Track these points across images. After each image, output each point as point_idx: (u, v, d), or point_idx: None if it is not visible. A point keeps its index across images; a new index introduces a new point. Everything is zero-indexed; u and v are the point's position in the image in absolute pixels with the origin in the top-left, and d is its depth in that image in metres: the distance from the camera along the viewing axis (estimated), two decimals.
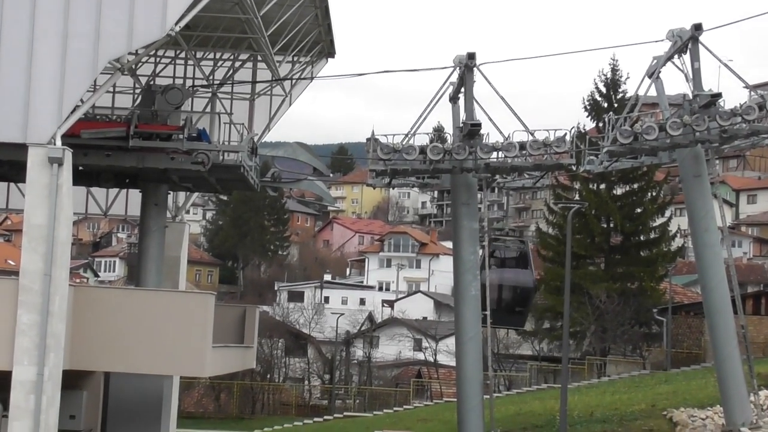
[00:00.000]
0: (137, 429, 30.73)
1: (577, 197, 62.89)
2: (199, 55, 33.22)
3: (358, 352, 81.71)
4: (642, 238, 66.16)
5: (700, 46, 34.55)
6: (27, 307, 22.79)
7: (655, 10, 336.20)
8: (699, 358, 57.80)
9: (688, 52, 34.65)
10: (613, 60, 67.51)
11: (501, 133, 32.60)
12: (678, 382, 49.13)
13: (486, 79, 32.77)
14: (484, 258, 34.10)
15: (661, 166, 46.46)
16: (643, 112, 37.71)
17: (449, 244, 79.11)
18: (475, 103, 33.00)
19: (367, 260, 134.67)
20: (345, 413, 58.92)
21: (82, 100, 24.02)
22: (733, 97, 34.50)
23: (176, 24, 23.79)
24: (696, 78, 34.58)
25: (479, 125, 32.36)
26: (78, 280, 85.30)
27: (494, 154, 32.38)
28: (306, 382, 76.35)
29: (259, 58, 32.75)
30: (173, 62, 33.87)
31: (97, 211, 38.05)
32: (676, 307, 61.79)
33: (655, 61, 35.31)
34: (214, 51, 33.54)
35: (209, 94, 32.52)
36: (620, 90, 66.60)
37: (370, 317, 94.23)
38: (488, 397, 34.61)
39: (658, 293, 63.91)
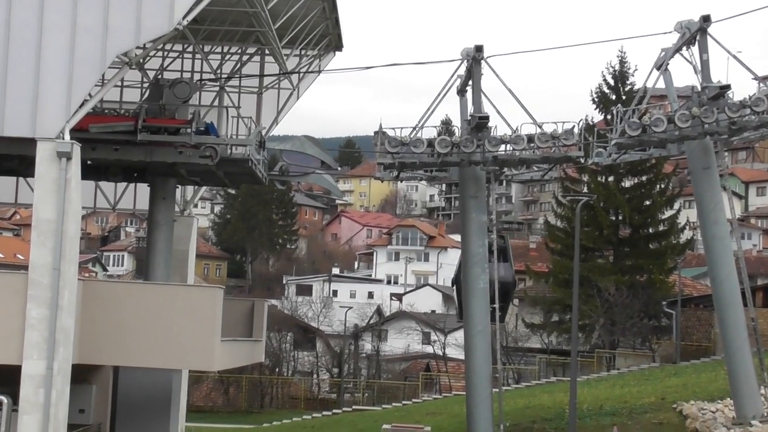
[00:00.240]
0: (146, 423, 30.78)
1: (585, 190, 62.76)
2: (206, 48, 33.21)
3: (367, 345, 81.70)
4: (651, 230, 66.00)
5: (708, 37, 34.47)
6: (36, 302, 22.83)
7: (664, 2, 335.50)
8: (709, 351, 57.72)
9: (696, 43, 34.58)
10: (621, 52, 67.40)
11: (509, 125, 32.58)
12: (688, 375, 49.06)
13: (494, 71, 32.73)
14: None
15: (670, 158, 46.42)
16: (651, 104, 37.64)
17: (457, 237, 79.07)
18: (482, 95, 32.95)
19: (375, 253, 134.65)
20: (354, 407, 58.94)
21: (90, 95, 24.04)
22: (742, 88, 34.33)
23: (184, 18, 23.79)
24: (705, 70, 34.49)
25: (487, 118, 32.32)
26: (87, 275, 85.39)
27: (502, 147, 32.35)
28: (315, 376, 76.39)
29: (267, 51, 32.73)
30: (181, 56, 33.86)
31: (105, 206, 38.08)
32: (686, 300, 61.70)
33: (664, 52, 35.23)
34: (221, 45, 33.52)
35: (217, 88, 32.52)
36: (628, 82, 66.40)
37: (379, 311, 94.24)
38: (497, 390, 34.58)
39: (668, 286, 63.79)
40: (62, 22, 23.33)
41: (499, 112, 32.64)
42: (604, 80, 66.95)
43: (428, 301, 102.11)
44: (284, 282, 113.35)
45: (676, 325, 59.28)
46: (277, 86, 34.89)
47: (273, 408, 66.04)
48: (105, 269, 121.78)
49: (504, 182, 39.69)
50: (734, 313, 35.80)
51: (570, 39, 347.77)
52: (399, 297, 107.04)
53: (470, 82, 33.33)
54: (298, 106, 36.93)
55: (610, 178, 64.60)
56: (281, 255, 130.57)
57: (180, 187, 34.99)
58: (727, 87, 33.79)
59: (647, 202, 65.36)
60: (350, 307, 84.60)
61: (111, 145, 28.20)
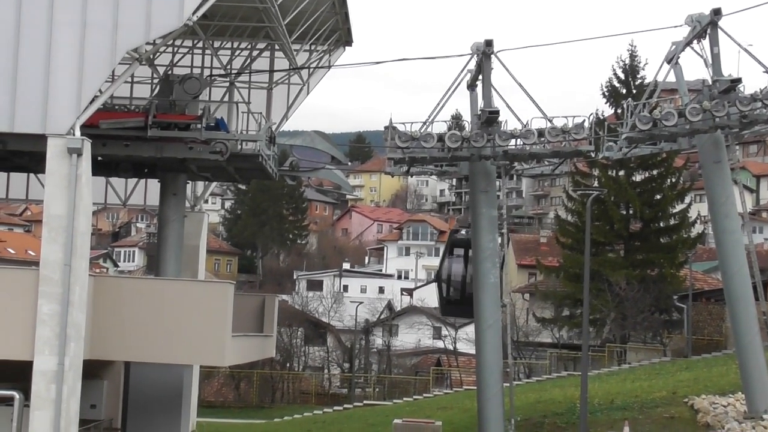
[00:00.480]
0: (158, 418, 30.85)
1: (596, 184, 62.66)
2: (216, 44, 33.24)
3: (378, 340, 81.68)
4: (662, 224, 65.83)
5: (719, 30, 34.33)
6: (47, 298, 22.88)
7: None
8: (720, 345, 57.57)
9: (707, 37, 34.44)
10: (632, 46, 67.21)
11: (519, 120, 32.51)
12: (699, 369, 48.95)
13: (504, 66, 32.67)
14: (445, 248, 34.30)
15: (681, 152, 46.22)
16: (662, 98, 37.50)
17: None
18: (493, 90, 32.89)
19: (385, 248, 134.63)
20: (365, 402, 58.92)
21: (100, 91, 24.09)
22: (753, 82, 34.13)
23: (194, 14, 23.83)
24: (715, 63, 34.36)
25: (497, 112, 32.26)
26: (98, 270, 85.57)
27: (512, 142, 32.27)
28: (325, 371, 76.39)
29: (277, 47, 32.75)
30: (191, 52, 33.92)
31: (116, 201, 38.19)
32: (697, 294, 61.53)
33: (674, 46, 35.12)
34: (231, 40, 33.55)
35: (227, 84, 32.56)
36: (639, 76, 66.23)
37: (389, 306, 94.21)
38: (508, 384, 34.55)
39: (679, 280, 63.63)
40: (72, 19, 23.38)
41: (509, 107, 32.59)
42: (615, 74, 66.83)
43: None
44: (295, 277, 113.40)
45: (687, 319, 59.13)
46: (287, 81, 34.94)
47: (284, 403, 66.06)
48: (116, 265, 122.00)
49: (514, 177, 39.63)
50: (745, 307, 35.70)
51: (580, 33, 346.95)
52: (410, 292, 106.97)
53: (480, 77, 33.26)
54: (308, 102, 36.99)
55: (621, 173, 64.46)
56: (292, 250, 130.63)
57: (190, 182, 35.08)
58: (738, 80, 33.66)
59: (658, 196, 65.20)
60: (361, 302, 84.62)
61: (121, 141, 28.26)
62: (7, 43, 23.38)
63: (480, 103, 33.47)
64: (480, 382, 34.41)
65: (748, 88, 33.81)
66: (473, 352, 42.67)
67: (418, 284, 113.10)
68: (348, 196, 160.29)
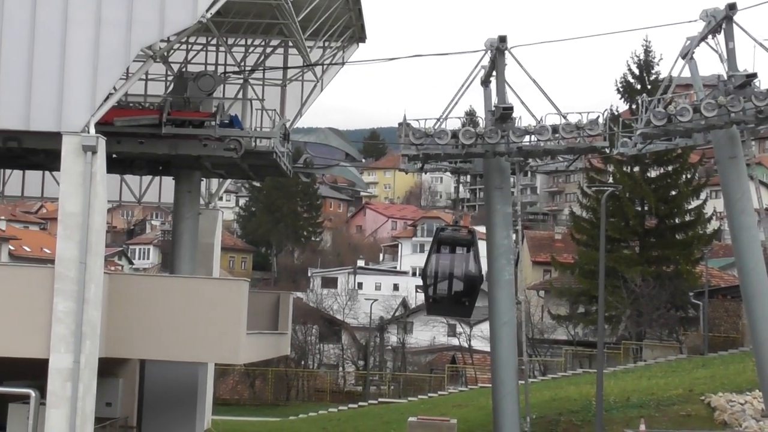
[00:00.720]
0: (173, 416, 30.87)
1: (610, 180, 62.47)
2: (230, 41, 33.25)
3: (392, 337, 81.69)
4: (677, 220, 65.64)
5: (734, 25, 34.18)
6: (63, 295, 22.90)
7: None
8: (737, 342, 57.37)
9: (722, 32, 34.30)
10: (646, 41, 67.01)
11: (533, 116, 32.45)
12: (715, 367, 48.78)
13: (518, 62, 32.60)
14: (432, 246, 34.28)
15: (696, 147, 46.11)
16: (676, 93, 37.38)
17: (482, 229, 78.85)
18: (506, 86, 32.83)
19: (400, 245, 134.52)
20: (380, 399, 58.92)
21: (115, 88, 24.10)
22: None
23: (207, 11, 23.82)
24: (731, 58, 34.21)
25: (511, 109, 32.20)
26: (113, 268, 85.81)
27: (527, 138, 32.22)
28: (340, 369, 76.42)
29: (291, 43, 32.73)
30: (205, 49, 33.92)
31: (131, 199, 38.24)
32: (713, 291, 61.34)
33: (689, 41, 34.98)
34: (245, 37, 33.54)
35: (241, 81, 32.54)
36: (653, 71, 66.06)
37: (404, 303, 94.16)
38: (523, 382, 34.49)
39: (694, 276, 63.43)
40: (87, 16, 23.39)
41: (523, 103, 32.54)
42: (629, 70, 66.66)
43: None
44: (309, 274, 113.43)
45: (703, 316, 58.95)
46: (300, 78, 34.91)
47: (299, 401, 66.11)
48: (131, 262, 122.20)
49: (529, 173, 39.56)
50: (762, 303, 35.55)
51: (594, 28, 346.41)
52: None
53: (494, 73, 33.21)
54: (322, 99, 36.99)
55: (636, 168, 64.29)
56: (306, 247, 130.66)
57: (205, 180, 35.08)
58: (754, 75, 33.51)
59: (673, 192, 65.01)
60: (375, 300, 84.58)
61: (136, 139, 28.27)
62: (22, 41, 23.41)
63: (494, 99, 33.42)
64: (495, 380, 34.36)
65: (764, 82, 33.73)
66: (488, 349, 42.60)
67: None
68: (362, 193, 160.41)
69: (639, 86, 64.53)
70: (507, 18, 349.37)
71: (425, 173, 36.30)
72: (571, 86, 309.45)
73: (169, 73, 33.27)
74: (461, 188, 38.56)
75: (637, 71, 66.40)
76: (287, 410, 59.31)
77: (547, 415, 40.21)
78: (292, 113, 35.09)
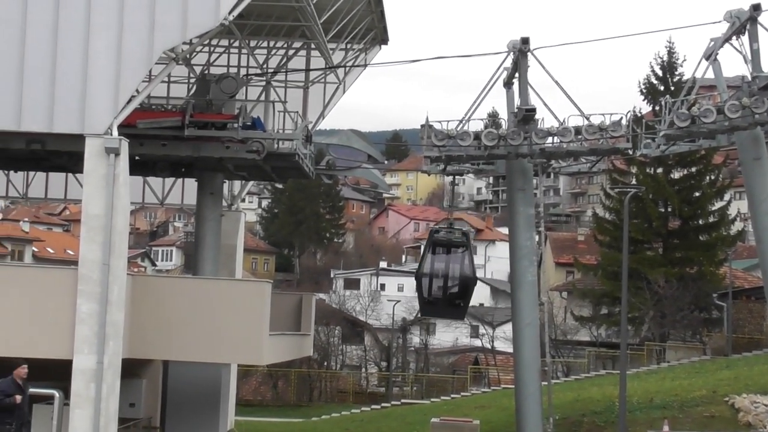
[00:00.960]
0: (196, 417, 30.96)
1: (633, 181, 62.26)
2: (252, 43, 33.32)
3: (415, 339, 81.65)
4: (701, 222, 65.39)
5: (758, 26, 34.02)
6: (86, 297, 22.99)
7: None
8: (761, 344, 57.08)
9: (746, 33, 34.12)
10: (670, 42, 66.76)
11: (556, 117, 32.39)
12: (739, 368, 48.54)
13: (540, 63, 32.54)
14: (426, 247, 34.23)
15: (720, 149, 45.88)
16: (700, 94, 37.22)
17: (505, 230, 78.72)
18: (529, 88, 32.77)
19: (422, 247, 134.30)
20: (402, 400, 58.92)
21: (137, 90, 24.19)
22: None
23: (230, 13, 23.87)
24: (755, 59, 34.04)
25: (534, 110, 32.14)
26: (136, 270, 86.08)
27: (549, 139, 32.15)
28: (363, 370, 76.44)
29: (313, 46, 32.78)
30: (227, 51, 34.01)
31: (153, 201, 38.37)
32: (737, 292, 61.04)
33: (713, 42, 34.82)
34: (267, 39, 33.62)
35: (263, 83, 32.60)
36: (677, 73, 65.78)
37: None
38: (546, 383, 34.43)
39: (718, 278, 63.17)
40: (109, 19, 23.48)
41: (546, 105, 32.47)
42: (652, 71, 66.41)
43: (476, 295, 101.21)
44: (332, 276, 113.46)
45: (727, 317, 58.68)
46: (323, 80, 34.95)
47: (322, 402, 66.19)
48: (154, 264, 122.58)
49: (551, 174, 39.45)
50: None
51: (617, 30, 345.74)
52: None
53: (517, 75, 33.16)
54: (345, 100, 36.98)
55: (659, 170, 64.06)
56: (329, 249, 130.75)
57: (227, 181, 35.15)
58: None
59: (697, 194, 64.76)
60: (398, 301, 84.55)
61: (158, 141, 28.36)
62: (46, 43, 23.52)
63: (516, 100, 33.37)
64: (518, 381, 34.31)
65: None
66: (511, 350, 42.63)
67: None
68: (385, 195, 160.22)
69: (662, 87, 64.29)
70: (530, 19, 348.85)
71: (448, 175, 36.18)
72: (593, 88, 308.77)
73: (191, 75, 33.36)
74: (484, 189, 38.42)
75: (660, 72, 66.16)
76: (310, 411, 59.38)
77: (570, 416, 40.12)
78: (315, 115, 35.13)
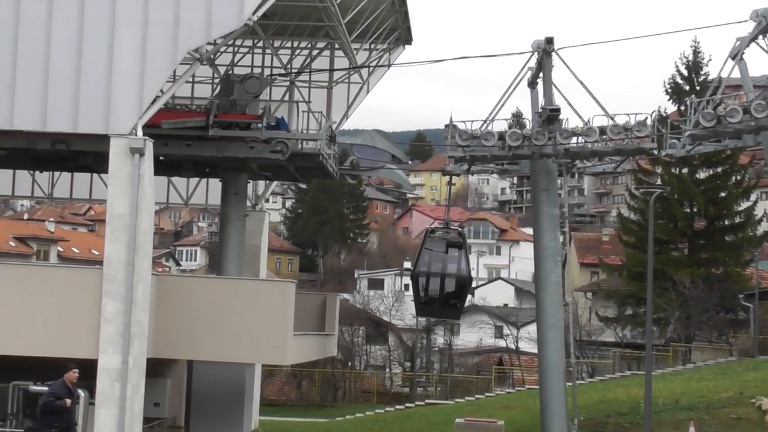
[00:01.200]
0: (220, 416, 31.02)
1: (659, 182, 62.02)
2: (276, 44, 33.34)
3: (439, 339, 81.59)
4: (726, 222, 65.10)
5: None
6: (111, 296, 23.07)
7: None
8: None
9: None
10: (695, 42, 66.46)
11: (581, 117, 32.23)
12: (766, 369, 48.26)
13: (565, 63, 32.40)
14: (422, 247, 34.14)
15: (746, 149, 45.54)
16: (726, 94, 36.99)
17: (529, 231, 78.66)
18: (553, 87, 32.65)
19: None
20: (426, 401, 58.85)
21: (162, 91, 24.25)
22: None
23: (254, 13, 23.89)
24: None
25: (558, 110, 32.01)
26: (160, 269, 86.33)
27: (574, 139, 32.00)
28: (387, 370, 76.45)
29: (337, 46, 32.78)
30: (251, 51, 34.05)
31: (178, 201, 38.45)
32: (763, 293, 60.69)
33: (739, 42, 34.57)
34: (291, 40, 33.64)
35: (287, 83, 32.63)
36: (702, 72, 65.50)
37: None
38: (571, 384, 34.31)
39: (744, 278, 62.83)
40: (134, 19, 23.56)
41: (570, 104, 32.32)
42: (678, 71, 66.12)
43: (501, 295, 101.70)
44: (356, 276, 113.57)
45: (753, 318, 58.35)
46: (347, 80, 34.94)
47: (346, 402, 66.20)
48: (178, 264, 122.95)
49: (576, 175, 39.31)
50: None
51: (642, 29, 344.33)
52: (471, 291, 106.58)
53: (541, 75, 33.03)
54: (368, 100, 37.02)
55: (684, 170, 63.81)
56: (353, 249, 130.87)
57: (251, 182, 35.20)
58: None
59: (723, 194, 64.46)
60: None
61: (183, 141, 28.43)
62: (70, 44, 23.62)
63: (541, 100, 33.25)
64: (542, 381, 34.19)
65: None
66: (535, 351, 42.45)
67: (480, 283, 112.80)
68: (408, 195, 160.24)
69: (688, 87, 63.99)
70: (554, 19, 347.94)
71: (472, 175, 36.10)
72: (618, 87, 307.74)
73: (215, 75, 33.43)
74: (508, 189, 38.36)
75: (685, 72, 65.88)
76: (334, 411, 59.40)
77: (595, 417, 39.98)
78: (339, 115, 35.13)
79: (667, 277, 59.38)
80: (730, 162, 63.48)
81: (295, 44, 33.86)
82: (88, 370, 23.06)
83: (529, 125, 33.15)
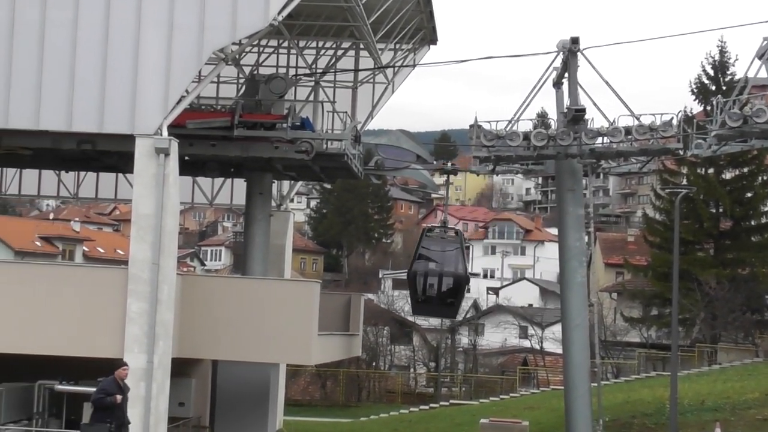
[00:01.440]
0: (245, 416, 31.06)
1: (684, 182, 61.71)
2: (301, 44, 33.40)
3: (464, 339, 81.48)
4: (753, 222, 64.76)
5: None
6: (136, 296, 23.14)
7: None
8: None
9: None
10: (721, 41, 66.10)
11: (606, 117, 32.12)
12: None
13: (590, 63, 32.28)
14: (418, 246, 34.05)
15: None
16: (752, 94, 36.73)
17: (554, 231, 78.40)
18: (579, 87, 32.55)
19: (471, 247, 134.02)
20: (451, 401, 58.79)
21: (187, 91, 24.31)
22: None
23: (279, 14, 23.94)
24: None
25: (584, 110, 31.91)
26: (185, 269, 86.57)
27: (599, 140, 31.90)
28: (411, 370, 76.37)
29: (362, 46, 32.79)
30: (276, 52, 34.12)
31: (203, 201, 38.57)
32: None
33: (766, 41, 34.37)
34: (316, 40, 33.68)
35: (312, 83, 32.65)
36: (729, 72, 65.14)
37: (475, 305, 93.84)
38: (596, 384, 34.20)
39: None
40: (159, 20, 23.63)
41: (595, 104, 32.21)
42: (704, 70, 65.80)
43: (525, 295, 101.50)
44: (380, 276, 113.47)
45: None
46: (372, 80, 34.96)
47: (370, 402, 66.19)
48: (203, 264, 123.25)
49: (601, 175, 39.15)
50: None
51: (668, 29, 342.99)
52: (495, 291, 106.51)
53: (566, 75, 32.94)
54: (393, 100, 36.99)
55: (710, 170, 63.52)
56: (377, 249, 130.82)
57: (276, 182, 35.24)
58: None
59: (749, 194, 64.12)
60: None
61: (208, 141, 28.48)
62: (96, 44, 23.71)
63: (566, 100, 33.15)
64: (567, 382, 34.10)
65: None
66: (560, 351, 42.40)
67: (504, 283, 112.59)
68: (433, 195, 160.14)
69: (714, 87, 63.70)
70: (579, 18, 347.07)
71: (496, 175, 36.03)
72: (644, 87, 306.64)
73: (240, 75, 33.49)
74: (533, 190, 38.27)
75: (711, 72, 65.54)
76: (358, 411, 59.41)
77: (620, 418, 39.83)
78: (364, 115, 35.14)
79: (692, 277, 59.13)
80: (757, 162, 63.12)
81: (320, 44, 33.90)
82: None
83: (554, 125, 33.07)
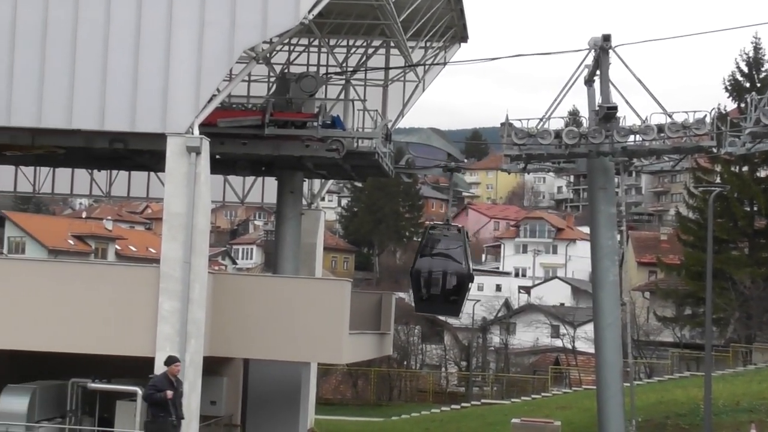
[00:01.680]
0: (276, 415, 31.09)
1: (718, 180, 61.35)
2: (332, 42, 33.35)
3: (495, 338, 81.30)
4: None
5: None
6: (168, 295, 23.20)
7: None
8: None
9: None
10: (756, 38, 65.68)
11: (638, 115, 31.88)
12: None
13: (622, 61, 32.07)
14: (421, 244, 33.87)
15: None
16: None
17: (586, 230, 78.11)
18: (611, 85, 32.36)
19: (502, 246, 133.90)
20: (482, 400, 58.62)
21: (218, 90, 24.34)
22: None
23: (309, 12, 23.93)
24: None
25: (616, 108, 31.71)
26: (216, 268, 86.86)
27: (631, 138, 31.70)
28: (443, 369, 76.29)
29: (392, 44, 32.73)
30: (307, 50, 34.11)
31: (234, 199, 38.63)
32: None
33: None
34: (347, 38, 33.63)
35: (343, 82, 32.62)
36: (763, 69, 64.74)
37: (507, 304, 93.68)
38: (628, 384, 33.99)
39: None
40: (190, 19, 23.69)
41: (627, 102, 31.99)
42: (738, 67, 65.38)
43: (557, 294, 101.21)
44: None
45: None
46: (402, 79, 34.87)
47: (401, 401, 66.13)
48: (234, 262, 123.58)
49: (633, 173, 38.99)
50: None
51: (701, 26, 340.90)
52: (527, 290, 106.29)
53: (598, 72, 32.75)
54: (424, 99, 36.90)
55: (744, 168, 63.08)
56: (408, 247, 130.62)
57: (307, 180, 35.25)
58: None
59: None
60: (478, 300, 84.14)
61: (239, 140, 28.51)
62: (128, 43, 23.80)
63: (597, 98, 32.96)
64: (599, 382, 33.91)
65: None
66: (592, 351, 42.13)
67: (536, 282, 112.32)
68: (464, 194, 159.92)
69: (748, 84, 63.30)
70: (611, 16, 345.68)
71: (528, 173, 35.92)
72: (677, 84, 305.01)
73: (271, 74, 33.52)
74: (565, 188, 38.13)
75: (746, 69, 65.13)
76: (389, 410, 59.37)
77: (653, 418, 39.57)
78: (394, 114, 35.07)
79: (726, 276, 58.73)
80: None
81: (351, 42, 33.86)
82: (146, 367, 23.19)
83: (585, 123, 32.89)
